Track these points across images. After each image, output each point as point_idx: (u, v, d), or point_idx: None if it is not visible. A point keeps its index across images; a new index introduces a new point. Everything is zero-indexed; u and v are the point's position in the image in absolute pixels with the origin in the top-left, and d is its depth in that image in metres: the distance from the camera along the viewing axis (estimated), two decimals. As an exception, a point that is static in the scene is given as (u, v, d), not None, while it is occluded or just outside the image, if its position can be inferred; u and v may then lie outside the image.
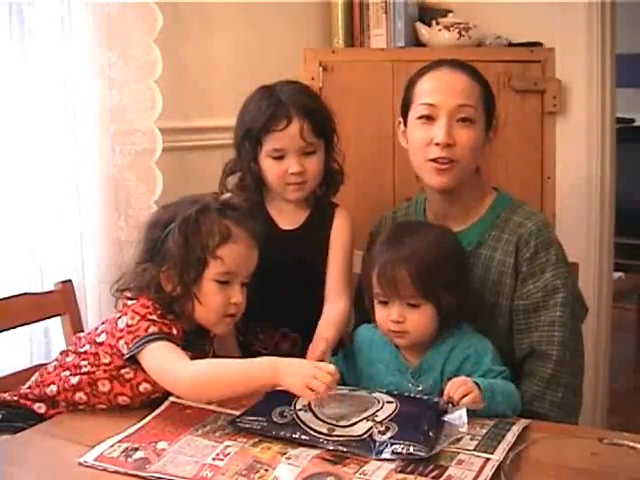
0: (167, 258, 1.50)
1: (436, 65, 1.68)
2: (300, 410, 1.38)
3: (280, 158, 1.73)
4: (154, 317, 1.47)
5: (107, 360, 1.48)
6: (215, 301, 1.50)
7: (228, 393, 1.42)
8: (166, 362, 1.42)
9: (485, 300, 1.65)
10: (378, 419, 1.34)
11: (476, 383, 1.42)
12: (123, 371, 1.47)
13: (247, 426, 1.36)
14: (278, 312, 1.69)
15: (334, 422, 1.34)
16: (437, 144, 1.61)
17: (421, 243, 1.54)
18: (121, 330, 1.47)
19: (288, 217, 1.80)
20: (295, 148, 1.71)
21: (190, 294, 1.49)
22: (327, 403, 1.38)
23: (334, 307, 1.73)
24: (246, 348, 1.79)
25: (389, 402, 1.41)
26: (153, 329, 1.45)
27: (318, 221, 1.80)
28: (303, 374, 1.33)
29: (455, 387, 1.40)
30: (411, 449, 1.25)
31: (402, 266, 1.50)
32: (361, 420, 1.34)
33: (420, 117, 1.65)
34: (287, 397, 1.39)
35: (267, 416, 1.37)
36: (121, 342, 1.46)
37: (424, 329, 1.54)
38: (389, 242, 1.57)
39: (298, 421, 1.35)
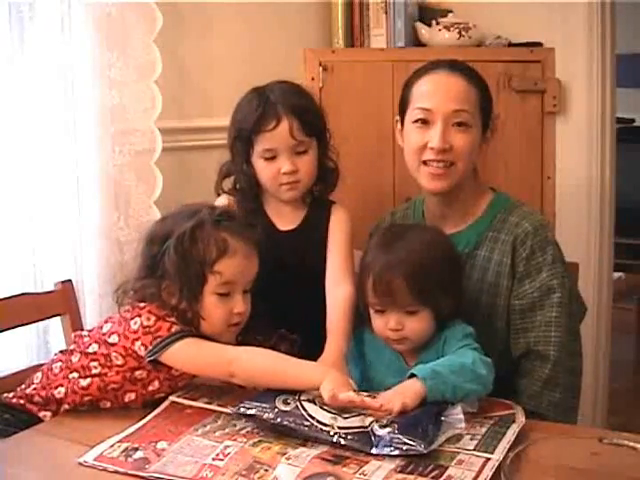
0: (166, 275, 1.49)
1: (433, 67, 1.68)
2: (305, 400, 1.38)
3: (272, 159, 1.72)
4: (172, 319, 1.47)
5: (120, 362, 1.47)
6: (218, 314, 1.50)
7: (275, 383, 1.42)
8: (208, 352, 1.45)
9: (483, 301, 1.65)
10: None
11: (414, 375, 1.39)
12: (137, 373, 1.47)
13: (251, 412, 1.36)
14: (277, 313, 1.69)
15: (336, 413, 1.34)
16: (432, 149, 1.62)
17: (413, 247, 1.53)
18: (135, 332, 1.46)
19: (285, 218, 1.80)
20: (286, 147, 1.71)
21: (192, 310, 1.49)
22: None
23: (336, 297, 1.70)
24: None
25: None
26: (176, 328, 1.45)
27: (316, 220, 1.80)
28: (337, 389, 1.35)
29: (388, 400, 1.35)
30: (410, 444, 1.25)
31: (397, 274, 1.49)
32: (363, 414, 1.35)
33: (416, 121, 1.65)
34: None
35: (271, 402, 1.37)
36: (137, 344, 1.45)
37: (423, 334, 1.54)
38: (381, 248, 1.56)
39: (301, 409, 1.35)
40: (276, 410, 1.35)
